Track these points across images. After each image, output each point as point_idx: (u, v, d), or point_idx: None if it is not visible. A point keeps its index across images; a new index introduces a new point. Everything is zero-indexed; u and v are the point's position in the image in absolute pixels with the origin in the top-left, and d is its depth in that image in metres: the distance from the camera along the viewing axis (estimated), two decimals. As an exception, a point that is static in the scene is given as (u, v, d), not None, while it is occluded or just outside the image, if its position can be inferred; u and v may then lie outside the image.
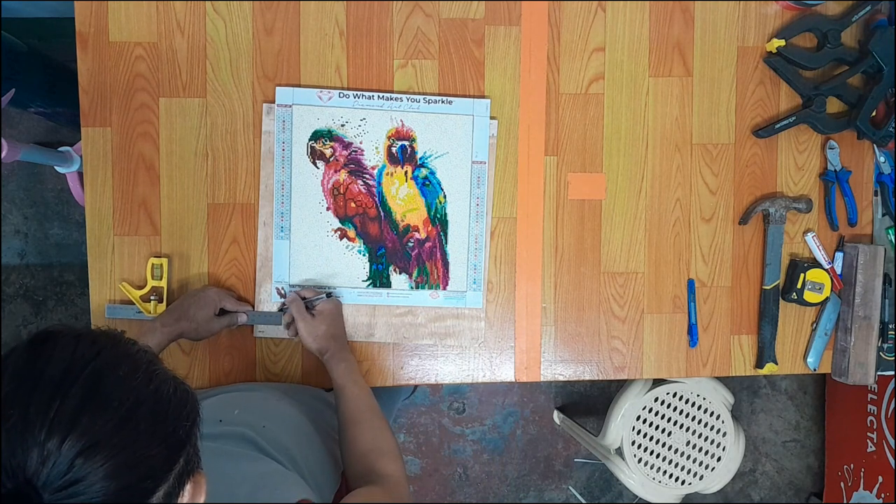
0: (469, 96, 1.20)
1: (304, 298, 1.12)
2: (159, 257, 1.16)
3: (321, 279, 1.18)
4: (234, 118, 1.18)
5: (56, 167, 1.71)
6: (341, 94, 1.18)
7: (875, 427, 1.86)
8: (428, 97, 1.19)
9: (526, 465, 2.17)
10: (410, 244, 1.20)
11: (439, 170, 1.19)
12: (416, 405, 2.13)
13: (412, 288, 1.20)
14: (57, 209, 2.00)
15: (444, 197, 1.20)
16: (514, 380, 1.24)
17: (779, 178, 1.26)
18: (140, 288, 1.16)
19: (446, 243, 1.20)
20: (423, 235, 1.20)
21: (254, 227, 1.18)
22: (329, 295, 1.14)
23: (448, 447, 2.14)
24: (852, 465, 1.97)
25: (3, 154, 1.37)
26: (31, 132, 1.94)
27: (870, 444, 1.88)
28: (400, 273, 1.20)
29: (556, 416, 2.13)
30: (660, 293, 1.24)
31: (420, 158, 1.19)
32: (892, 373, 1.28)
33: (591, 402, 2.17)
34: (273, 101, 1.17)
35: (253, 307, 1.17)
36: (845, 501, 2.00)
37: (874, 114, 1.22)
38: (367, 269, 1.19)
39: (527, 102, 1.21)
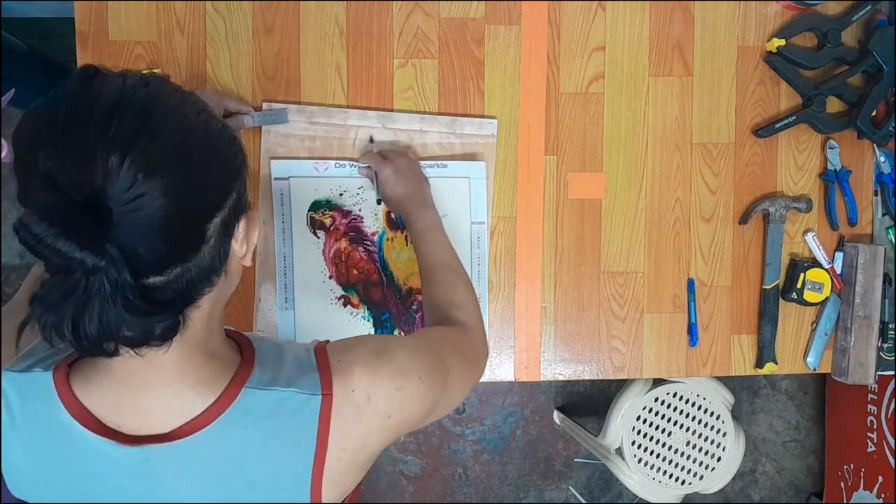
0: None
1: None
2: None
3: None
4: (234, 118, 1.18)
5: (56, 167, 1.70)
6: (337, 165, 1.17)
7: (875, 427, 1.86)
8: (424, 162, 1.18)
9: (526, 465, 2.17)
10: (414, 307, 1.20)
11: None
12: (416, 405, 2.13)
13: None
14: (57, 209, 2.00)
15: None
16: (513, 379, 1.23)
17: (779, 177, 1.26)
18: None
19: None
20: None
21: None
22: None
23: (448, 447, 2.14)
24: (852, 465, 1.97)
25: (3, 154, 1.37)
26: (31, 132, 1.93)
27: (870, 444, 1.88)
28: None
29: (556, 416, 2.13)
30: (659, 293, 1.24)
31: None
32: (892, 373, 1.28)
33: (591, 402, 2.17)
34: (273, 101, 1.17)
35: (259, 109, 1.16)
36: (845, 501, 2.00)
37: (874, 113, 1.22)
38: (373, 335, 1.19)
39: (527, 102, 1.21)
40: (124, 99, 0.54)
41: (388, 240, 1.19)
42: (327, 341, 0.73)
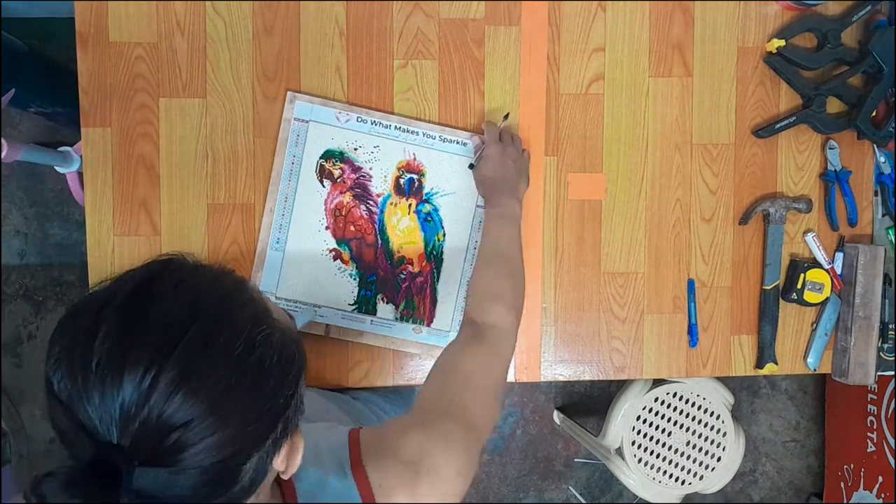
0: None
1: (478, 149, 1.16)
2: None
3: (309, 296, 1.18)
4: (234, 118, 1.18)
5: (56, 167, 1.71)
6: (359, 119, 1.18)
7: (875, 427, 1.86)
8: (445, 136, 1.19)
9: (526, 465, 2.17)
10: (402, 276, 1.20)
11: (443, 208, 1.20)
12: (416, 405, 2.13)
13: (396, 319, 1.20)
14: (57, 209, 2.00)
15: (444, 235, 1.20)
16: (514, 380, 1.23)
17: (779, 178, 1.26)
18: None
19: (437, 281, 1.20)
20: (416, 269, 1.20)
21: (254, 226, 1.18)
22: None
23: (448, 447, 2.14)
24: (852, 465, 1.97)
25: (4, 154, 1.37)
26: (32, 132, 1.94)
27: (870, 444, 1.88)
28: (387, 303, 1.19)
29: (556, 416, 2.13)
30: (660, 293, 1.24)
31: (426, 194, 1.19)
32: (892, 373, 1.28)
33: (591, 402, 2.17)
34: (297, 91, 1.17)
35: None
36: (845, 501, 2.00)
37: (874, 114, 1.22)
38: (356, 294, 1.19)
39: (527, 102, 1.21)
40: (165, 346, 0.49)
41: (391, 204, 1.19)
42: (358, 438, 0.71)
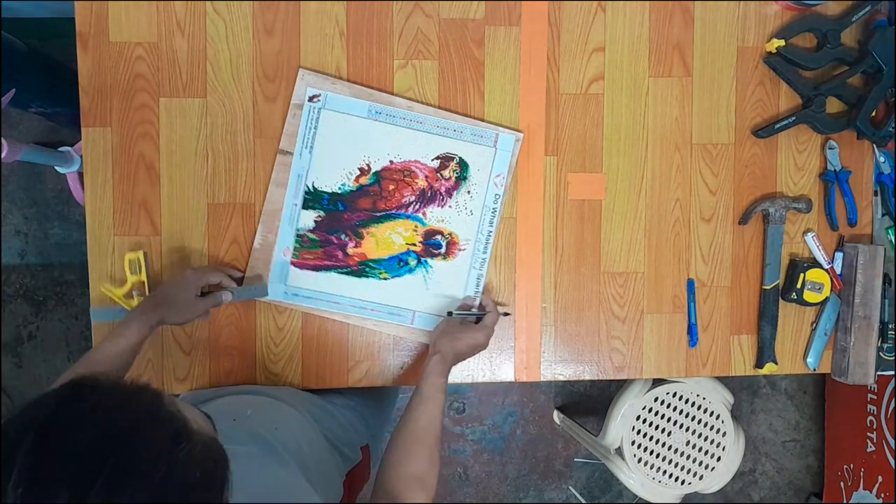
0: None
1: (469, 308, 1.19)
2: (135, 251, 1.16)
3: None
4: (235, 118, 1.18)
5: (56, 167, 1.71)
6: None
7: (875, 427, 1.86)
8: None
9: (526, 465, 2.17)
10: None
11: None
12: (416, 405, 2.13)
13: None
14: (57, 209, 2.00)
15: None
16: (513, 380, 1.24)
17: (778, 178, 1.26)
18: (121, 286, 1.15)
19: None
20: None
21: (254, 227, 1.18)
22: (481, 318, 1.15)
23: (448, 447, 2.14)
24: (852, 465, 1.97)
25: (4, 154, 1.37)
26: (32, 132, 1.94)
27: (869, 443, 1.88)
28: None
29: (556, 416, 2.13)
30: (659, 293, 1.24)
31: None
32: (892, 373, 1.29)
33: (591, 402, 2.18)
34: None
35: (244, 276, 1.17)
36: (845, 501, 2.00)
37: (874, 114, 1.22)
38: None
39: (527, 102, 1.22)
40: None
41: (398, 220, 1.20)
42: None
